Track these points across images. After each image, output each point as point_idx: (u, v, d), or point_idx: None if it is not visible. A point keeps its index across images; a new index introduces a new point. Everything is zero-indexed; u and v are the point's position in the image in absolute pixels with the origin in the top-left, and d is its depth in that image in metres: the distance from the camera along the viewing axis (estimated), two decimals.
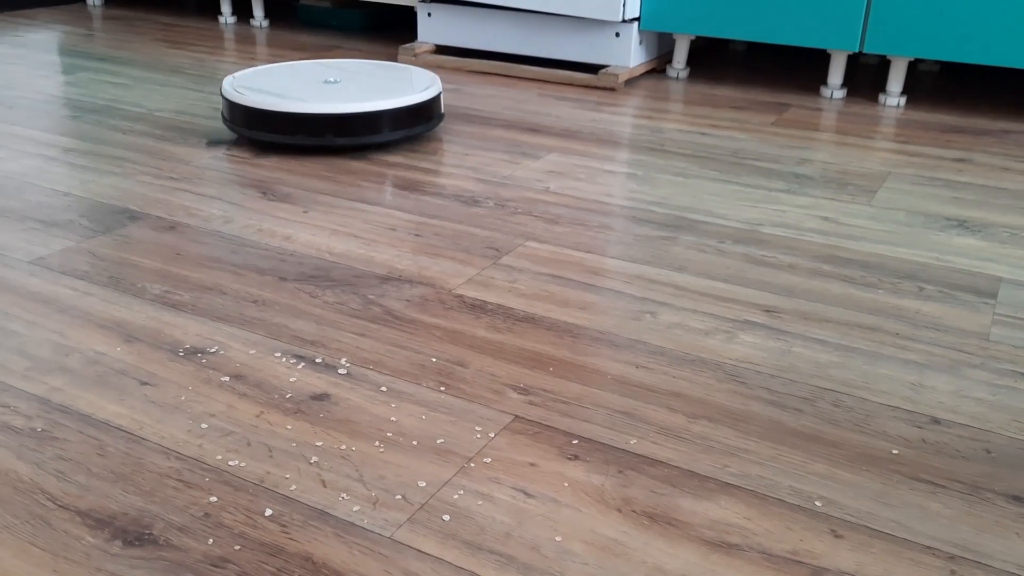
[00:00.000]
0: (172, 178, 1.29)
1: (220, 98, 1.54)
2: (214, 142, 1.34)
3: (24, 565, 0.57)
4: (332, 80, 1.48)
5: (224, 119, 1.46)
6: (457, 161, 1.42)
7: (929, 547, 0.61)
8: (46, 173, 1.30)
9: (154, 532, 0.60)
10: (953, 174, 1.38)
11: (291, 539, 0.60)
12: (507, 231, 1.14)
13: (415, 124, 1.43)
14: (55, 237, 1.07)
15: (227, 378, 0.79)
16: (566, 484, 0.67)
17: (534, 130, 1.60)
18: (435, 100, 1.47)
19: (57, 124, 1.55)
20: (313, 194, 1.25)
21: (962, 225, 1.17)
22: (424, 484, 0.66)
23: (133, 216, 1.15)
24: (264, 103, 1.37)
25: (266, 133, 1.38)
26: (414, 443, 0.71)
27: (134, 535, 0.60)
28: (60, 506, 0.62)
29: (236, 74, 1.53)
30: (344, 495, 0.64)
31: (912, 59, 1.83)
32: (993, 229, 1.16)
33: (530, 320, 0.92)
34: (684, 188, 1.31)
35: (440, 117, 1.51)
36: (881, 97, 1.82)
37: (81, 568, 0.57)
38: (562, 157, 1.45)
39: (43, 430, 0.71)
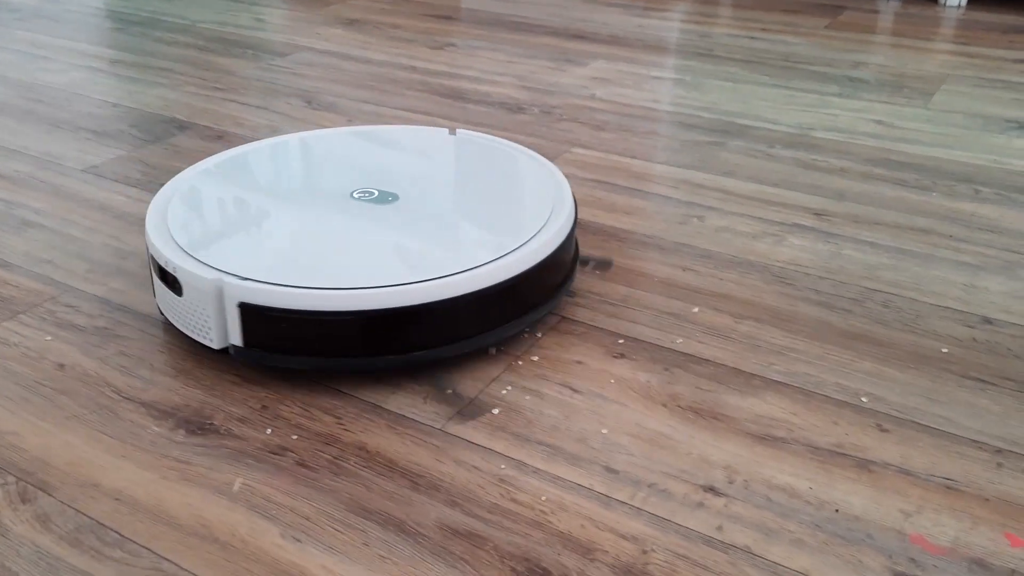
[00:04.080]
0: (217, 88, 1.30)
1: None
2: None
3: (95, 451, 0.60)
4: (363, 193, 0.76)
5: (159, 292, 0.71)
6: (502, 69, 1.40)
7: (976, 441, 0.61)
8: (95, 85, 1.31)
9: (215, 423, 0.63)
10: (1015, 75, 1.32)
11: (346, 430, 0.62)
12: (553, 138, 1.13)
13: (528, 307, 0.70)
14: (107, 147, 1.09)
15: None
16: (612, 381, 0.68)
17: (580, 36, 1.57)
18: (567, 243, 0.73)
19: (103, 36, 1.56)
20: (357, 103, 1.24)
21: (1022, 127, 1.13)
22: (473, 380, 0.67)
23: (181, 125, 1.16)
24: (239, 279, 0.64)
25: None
26: None
27: (196, 425, 0.63)
28: (125, 398, 0.65)
29: (189, 174, 0.81)
30: (395, 390, 0.66)
31: None
32: None
33: (580, 225, 0.91)
34: (733, 93, 1.28)
35: (574, 268, 0.76)
36: None
37: (148, 454, 0.60)
38: (608, 64, 1.42)
39: (106, 328, 0.73)
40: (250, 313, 0.64)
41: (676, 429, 0.63)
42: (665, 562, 0.52)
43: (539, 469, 0.59)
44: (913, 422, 0.63)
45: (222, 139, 1.11)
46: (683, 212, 0.94)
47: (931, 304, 0.77)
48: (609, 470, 0.59)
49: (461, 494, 0.57)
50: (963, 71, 1.35)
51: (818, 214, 0.93)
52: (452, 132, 0.91)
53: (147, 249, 0.73)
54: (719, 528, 0.54)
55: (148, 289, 0.79)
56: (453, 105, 1.24)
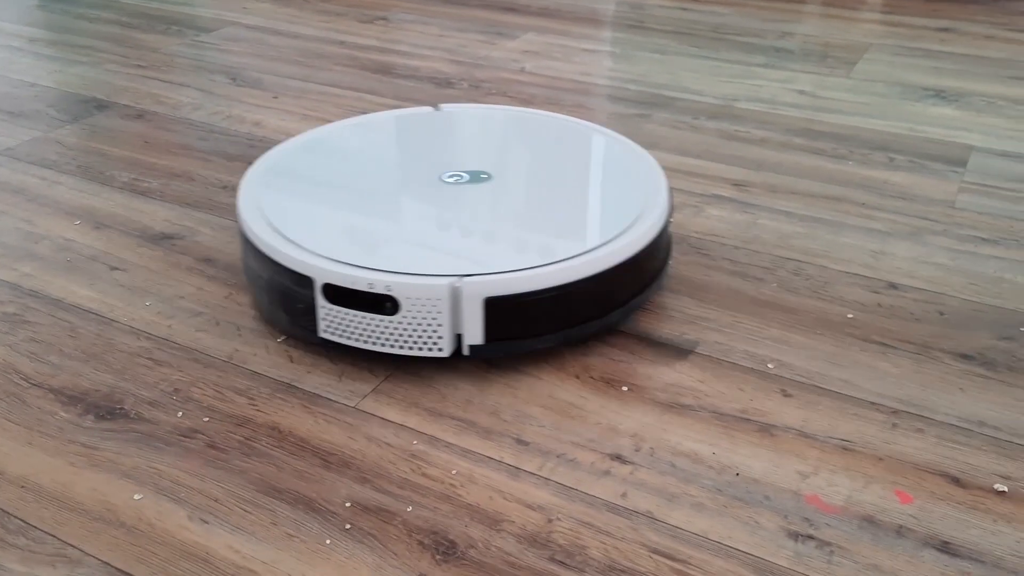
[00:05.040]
0: (140, 66, 1.27)
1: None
2: None
3: (1, 439, 0.59)
4: (454, 176, 0.75)
5: (254, 281, 0.71)
6: (433, 43, 1.39)
7: (874, 403, 0.63)
8: (13, 64, 1.27)
9: (125, 407, 0.62)
10: (935, 44, 1.35)
11: (259, 411, 0.62)
12: None
13: (630, 294, 0.69)
14: (22, 128, 1.06)
15: (196, 262, 0.80)
16: (529, 355, 0.68)
17: (512, 9, 1.56)
18: (663, 233, 0.72)
19: (23, 14, 1.51)
20: (284, 79, 1.23)
21: (939, 95, 1.16)
22: (390, 357, 0.68)
23: (101, 105, 1.13)
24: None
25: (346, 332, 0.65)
26: None
27: (106, 410, 0.62)
28: (34, 384, 0.64)
29: (270, 157, 0.80)
30: (311, 370, 0.66)
31: None
32: (970, 98, 1.15)
33: None
34: (662, 65, 1.29)
35: (667, 258, 0.76)
36: None
37: (55, 440, 0.59)
38: (539, 36, 1.42)
39: (15, 314, 0.72)
40: (497, 306, 0.62)
41: (587, 399, 0.64)
42: (569, 530, 0.53)
43: (451, 443, 0.60)
44: (815, 386, 0.65)
45: (142, 118, 1.09)
46: None
47: (840, 271, 0.79)
48: (520, 442, 0.60)
49: (372, 470, 0.57)
50: (886, 40, 1.37)
51: (737, 184, 0.94)
52: (436, 108, 0.90)
53: (289, 281, 0.65)
54: (623, 495, 0.55)
55: (61, 272, 0.77)
56: (381, 80, 1.23)
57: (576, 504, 0.55)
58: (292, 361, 0.67)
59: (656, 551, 0.51)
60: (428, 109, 0.90)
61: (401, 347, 0.64)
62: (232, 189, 0.93)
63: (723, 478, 0.57)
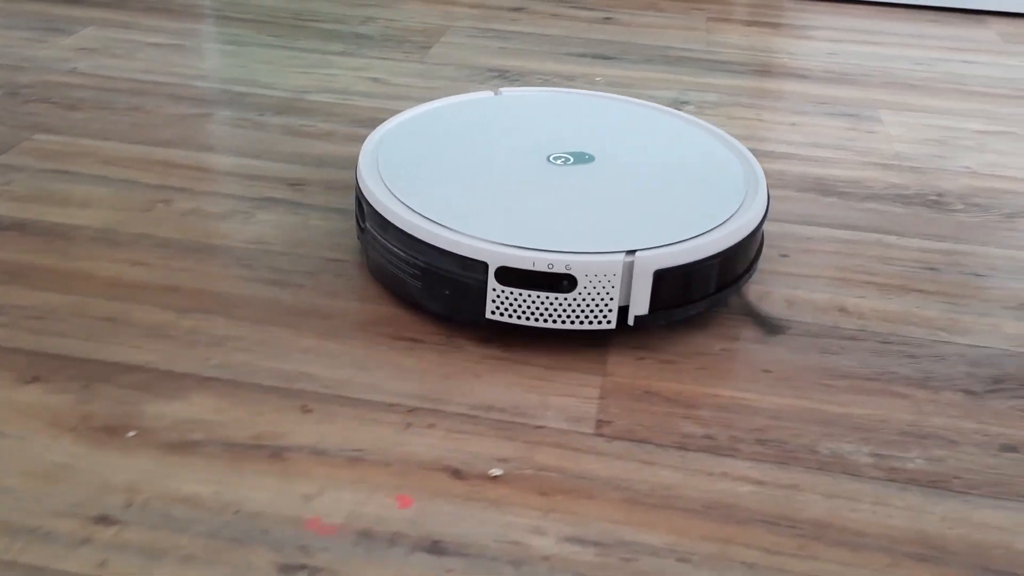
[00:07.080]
0: None
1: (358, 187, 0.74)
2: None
3: None
4: (560, 158, 0.77)
5: (370, 252, 0.73)
6: None
7: (392, 404, 0.62)
8: None
9: None
10: (507, 24, 1.41)
11: None
12: (12, 124, 0.99)
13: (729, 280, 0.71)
14: None
15: None
16: (16, 413, 0.60)
17: (71, 1, 1.40)
18: (758, 229, 0.73)
19: None
20: None
21: (502, 75, 1.21)
22: None
23: None
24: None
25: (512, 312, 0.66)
26: None
27: None
28: None
29: (381, 132, 0.80)
30: None
31: None
32: (528, 77, 1.20)
33: (18, 227, 0.80)
34: (235, 58, 1.22)
35: (759, 254, 0.76)
36: None
37: None
38: (101, 31, 1.28)
39: None
40: (664, 277, 0.66)
41: (80, 456, 0.57)
42: None
43: None
44: (338, 396, 0.63)
45: None
46: (149, 198, 0.87)
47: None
48: None
49: None
50: (463, 22, 1.41)
51: (293, 185, 0.90)
52: (496, 92, 0.89)
53: (455, 266, 0.66)
54: (102, 564, 0.50)
55: None
56: None
57: None
58: None
59: None
60: (489, 94, 0.89)
61: (572, 323, 0.66)
62: None
63: (221, 519, 0.53)
